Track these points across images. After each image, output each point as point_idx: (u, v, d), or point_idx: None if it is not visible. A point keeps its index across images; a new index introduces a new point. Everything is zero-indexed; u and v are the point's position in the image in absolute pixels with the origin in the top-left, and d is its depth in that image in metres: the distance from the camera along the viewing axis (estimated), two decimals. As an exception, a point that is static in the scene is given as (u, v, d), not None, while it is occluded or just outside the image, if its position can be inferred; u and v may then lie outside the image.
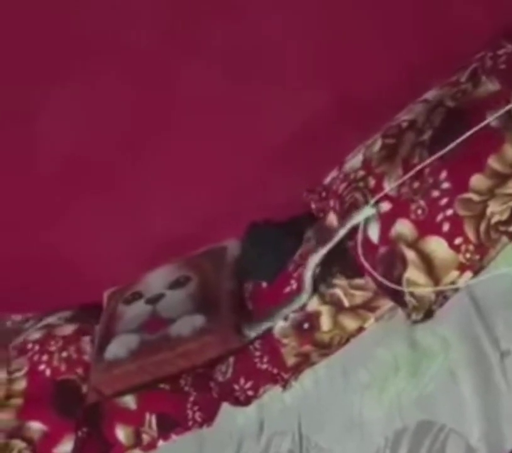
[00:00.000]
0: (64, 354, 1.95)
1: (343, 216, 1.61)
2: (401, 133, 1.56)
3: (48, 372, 1.94)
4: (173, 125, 1.76)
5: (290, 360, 1.67)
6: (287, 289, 1.71)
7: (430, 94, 1.58)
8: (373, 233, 1.54)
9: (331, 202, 1.66)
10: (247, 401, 1.73)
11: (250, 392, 1.72)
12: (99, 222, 1.93)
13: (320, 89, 1.70)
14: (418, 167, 1.46)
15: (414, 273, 1.46)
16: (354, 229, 1.57)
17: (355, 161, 1.63)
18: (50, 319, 2.08)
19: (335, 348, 1.62)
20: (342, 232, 1.57)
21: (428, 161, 1.46)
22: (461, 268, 1.42)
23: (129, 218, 1.94)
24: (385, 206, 1.52)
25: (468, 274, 1.42)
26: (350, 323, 1.60)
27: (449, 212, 1.42)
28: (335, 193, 1.65)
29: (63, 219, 1.92)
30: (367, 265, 1.53)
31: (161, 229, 1.94)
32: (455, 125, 1.46)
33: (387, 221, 1.51)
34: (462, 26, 1.57)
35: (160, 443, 1.82)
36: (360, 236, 1.54)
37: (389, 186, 1.52)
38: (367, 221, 1.54)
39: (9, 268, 1.98)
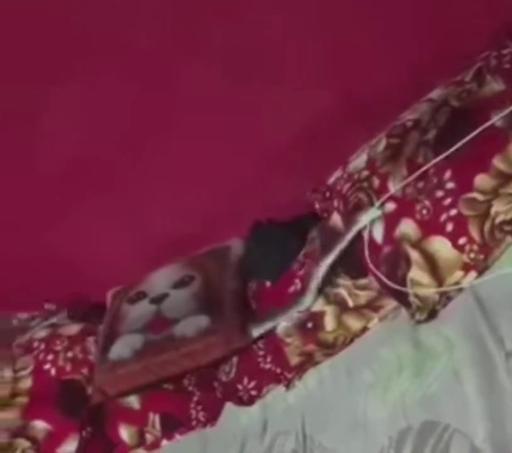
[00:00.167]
0: (69, 354, 1.96)
1: (347, 216, 1.61)
2: (406, 133, 1.55)
3: (53, 372, 1.95)
4: (175, 125, 1.76)
5: (294, 360, 1.67)
6: (291, 289, 1.71)
7: (435, 94, 1.58)
8: (378, 233, 1.54)
9: (335, 202, 1.66)
10: (250, 401, 1.73)
11: (254, 392, 1.72)
12: (101, 222, 1.94)
13: (324, 89, 1.70)
14: (423, 168, 1.46)
15: (418, 273, 1.46)
16: (359, 230, 1.57)
17: (359, 161, 1.63)
18: (55, 318, 2.09)
19: (339, 348, 1.62)
20: (349, 236, 1.57)
21: (433, 162, 1.45)
22: (466, 268, 1.42)
23: (131, 218, 1.95)
24: (390, 206, 1.52)
25: (472, 274, 1.42)
26: (354, 322, 1.60)
27: (453, 212, 1.42)
28: (339, 193, 1.65)
29: (65, 219, 1.92)
30: (372, 266, 1.53)
31: (165, 229, 1.94)
32: (460, 125, 1.46)
33: (391, 221, 1.51)
34: (466, 25, 1.57)
35: (164, 442, 1.83)
36: (366, 238, 1.54)
37: (393, 187, 1.51)
38: (371, 221, 1.54)
39: (12, 268, 1.99)
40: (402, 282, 1.48)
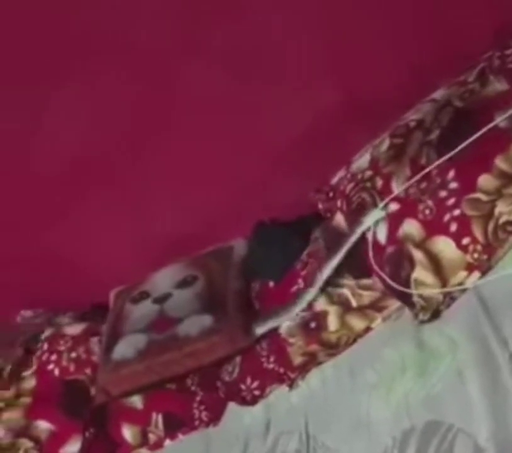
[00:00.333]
0: (73, 354, 1.96)
1: (351, 216, 1.61)
2: (409, 133, 1.55)
3: (56, 372, 1.95)
4: (176, 125, 1.77)
5: (297, 360, 1.67)
6: (294, 289, 1.71)
7: (438, 94, 1.58)
8: (381, 234, 1.53)
9: (339, 202, 1.66)
10: (253, 401, 1.73)
11: (257, 392, 1.72)
12: (101, 222, 1.94)
13: (327, 89, 1.70)
14: (427, 170, 1.46)
15: (421, 273, 1.45)
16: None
17: (362, 161, 1.63)
18: (59, 318, 2.08)
19: (342, 348, 1.62)
20: (353, 238, 1.57)
21: (437, 163, 1.45)
22: (469, 268, 1.42)
23: (132, 218, 1.95)
24: (393, 207, 1.52)
25: (476, 274, 1.42)
26: (357, 323, 1.60)
27: (456, 212, 1.42)
28: (342, 193, 1.65)
29: (65, 219, 1.93)
30: (376, 267, 1.52)
31: (167, 229, 1.94)
32: (463, 125, 1.46)
33: (394, 221, 1.51)
34: (469, 25, 1.58)
35: (167, 442, 1.83)
36: (370, 238, 1.54)
37: (397, 188, 1.51)
38: (375, 222, 1.54)
39: (14, 268, 1.98)
40: (406, 282, 1.48)
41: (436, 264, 1.44)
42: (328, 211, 1.71)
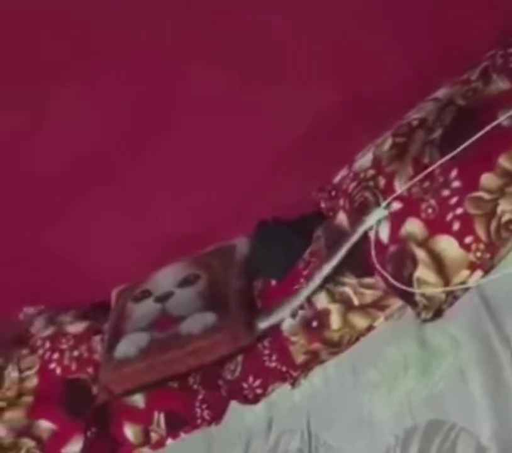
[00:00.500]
0: (75, 353, 1.95)
1: (353, 215, 1.61)
2: (411, 132, 1.55)
3: (58, 371, 1.94)
4: (176, 125, 1.76)
5: (299, 358, 1.67)
6: (297, 287, 1.71)
7: (441, 92, 1.58)
8: (383, 233, 1.53)
9: (341, 201, 1.66)
10: (256, 399, 1.73)
11: (259, 391, 1.72)
12: (102, 221, 1.94)
13: (328, 88, 1.70)
14: (429, 169, 1.46)
15: (424, 272, 1.46)
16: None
17: (364, 160, 1.63)
18: (61, 317, 2.08)
19: (345, 346, 1.62)
20: (355, 237, 1.57)
21: (440, 162, 1.45)
22: (472, 267, 1.42)
23: (133, 217, 1.94)
24: (396, 205, 1.52)
25: (478, 273, 1.42)
26: (359, 321, 1.60)
27: (459, 211, 1.42)
28: (345, 192, 1.65)
29: (65, 219, 1.92)
30: (378, 266, 1.52)
31: (169, 229, 1.94)
32: (466, 124, 1.46)
33: (397, 220, 1.51)
34: (471, 24, 1.58)
35: (169, 441, 1.83)
36: (372, 238, 1.54)
37: (400, 187, 1.51)
38: (377, 221, 1.54)
39: (15, 268, 1.98)
40: (408, 281, 1.48)
41: (438, 263, 1.44)
42: (330, 210, 1.71)
